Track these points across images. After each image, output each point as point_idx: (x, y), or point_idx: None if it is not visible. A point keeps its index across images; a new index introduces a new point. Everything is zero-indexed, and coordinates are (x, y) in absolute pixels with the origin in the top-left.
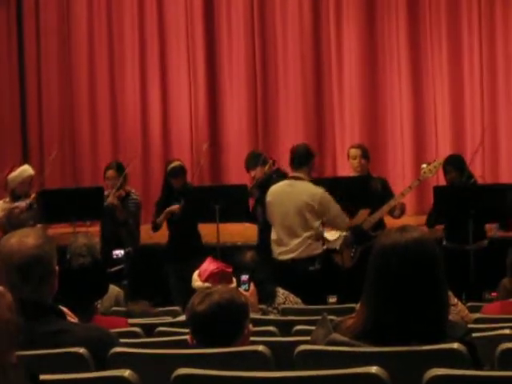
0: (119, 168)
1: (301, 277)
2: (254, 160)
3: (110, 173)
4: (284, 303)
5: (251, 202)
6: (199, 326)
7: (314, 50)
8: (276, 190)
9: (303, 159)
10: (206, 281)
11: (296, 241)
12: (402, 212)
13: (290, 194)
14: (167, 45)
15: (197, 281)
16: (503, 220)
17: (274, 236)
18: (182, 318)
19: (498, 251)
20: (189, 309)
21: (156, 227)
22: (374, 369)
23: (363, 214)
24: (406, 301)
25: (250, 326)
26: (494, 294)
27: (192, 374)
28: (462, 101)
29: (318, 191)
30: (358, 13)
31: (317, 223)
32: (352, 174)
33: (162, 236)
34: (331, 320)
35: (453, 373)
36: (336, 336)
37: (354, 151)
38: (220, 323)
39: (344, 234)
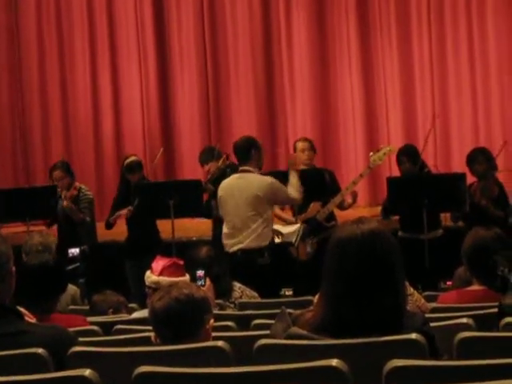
0: (65, 167)
1: (251, 270)
2: (207, 154)
3: (57, 173)
4: (241, 297)
5: (205, 196)
6: (159, 322)
7: (264, 42)
8: (226, 184)
9: (245, 153)
10: (160, 275)
11: (246, 232)
12: (354, 200)
13: (240, 186)
14: (117, 37)
15: (150, 276)
16: (457, 209)
17: (225, 230)
18: (139, 314)
19: (453, 240)
20: (149, 306)
21: (108, 226)
22: (334, 362)
23: (315, 206)
24: (364, 293)
25: (212, 320)
26: (449, 282)
27: (153, 372)
28: (413, 90)
29: (267, 180)
30: (308, 3)
31: (268, 211)
32: (300, 167)
33: (121, 233)
34: (290, 314)
35: (412, 363)
36: (295, 330)
37: (301, 144)
38: (180, 319)
39: (298, 226)
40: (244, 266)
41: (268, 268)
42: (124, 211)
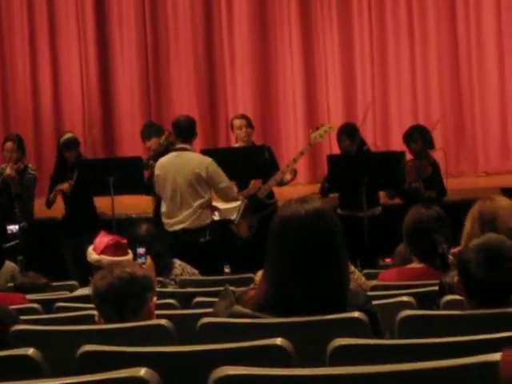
0: (18, 141)
1: (192, 248)
2: (149, 130)
3: (8, 145)
4: (181, 275)
5: (147, 173)
6: (102, 301)
7: (205, 19)
8: (164, 162)
9: (189, 131)
10: (101, 253)
11: (187, 211)
12: (294, 177)
13: (179, 165)
14: (56, 16)
15: (92, 254)
16: (396, 187)
17: (163, 208)
18: (80, 292)
19: (392, 218)
20: (92, 285)
21: (49, 204)
22: (278, 340)
23: (256, 183)
24: (307, 271)
25: (155, 299)
26: (387, 259)
27: (97, 351)
28: (353, 69)
29: (206, 160)
30: None
31: (207, 192)
32: (238, 144)
33: (58, 210)
34: (233, 292)
35: (355, 342)
36: (238, 308)
37: (238, 121)
38: (123, 297)
39: (239, 203)
40: (186, 245)
41: (210, 246)
42: (65, 185)
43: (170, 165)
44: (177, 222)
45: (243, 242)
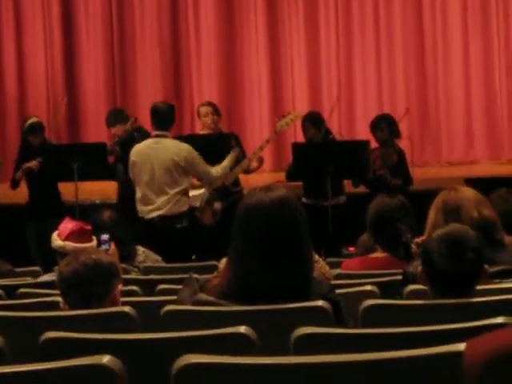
0: None
1: (168, 234)
2: (114, 117)
3: None
4: (144, 261)
5: (111, 159)
6: (67, 288)
7: (171, 8)
8: (141, 148)
9: (168, 118)
10: (66, 239)
11: (163, 198)
12: (260, 165)
13: (156, 151)
14: (22, 2)
15: (56, 240)
16: (361, 176)
17: (139, 195)
18: (44, 278)
19: (356, 207)
20: (57, 272)
21: (14, 183)
22: (242, 328)
23: None
24: (272, 260)
25: (120, 286)
26: (351, 248)
27: (61, 337)
28: (319, 58)
29: (184, 147)
30: None
31: (185, 180)
32: (204, 131)
33: (22, 195)
34: (197, 279)
35: (319, 331)
36: (202, 296)
37: (204, 109)
38: (88, 284)
39: (204, 191)
40: (161, 232)
41: (183, 233)
42: (33, 162)
43: (147, 151)
44: (153, 208)
45: (207, 230)
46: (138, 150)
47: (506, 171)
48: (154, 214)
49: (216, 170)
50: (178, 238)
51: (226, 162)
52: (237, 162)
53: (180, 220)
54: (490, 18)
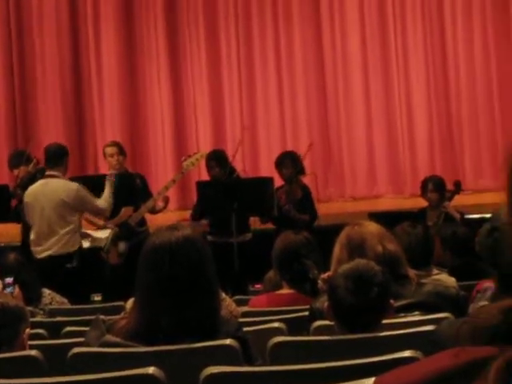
0: None
1: (59, 274)
2: (17, 158)
3: None
4: (51, 304)
5: (14, 202)
6: None
7: (71, 52)
8: (32, 190)
9: (57, 158)
10: None
11: (54, 238)
12: (166, 204)
13: (46, 192)
14: None
15: None
16: (266, 212)
17: (32, 236)
18: None
19: (262, 243)
20: None
21: None
22: (151, 369)
23: (127, 210)
24: (178, 299)
25: (28, 329)
26: (257, 285)
27: None
28: (222, 97)
29: (73, 186)
30: (115, 13)
31: (75, 217)
32: (111, 171)
33: None
34: (104, 321)
35: (227, 370)
36: (109, 337)
37: (110, 149)
38: None
39: (110, 231)
40: (52, 272)
41: (76, 273)
42: None
43: (38, 192)
44: (44, 249)
45: (113, 270)
46: (30, 192)
47: (409, 205)
48: (45, 254)
49: (102, 203)
50: (71, 278)
51: (107, 191)
52: (143, 202)
53: (69, 259)
54: (389, 57)
